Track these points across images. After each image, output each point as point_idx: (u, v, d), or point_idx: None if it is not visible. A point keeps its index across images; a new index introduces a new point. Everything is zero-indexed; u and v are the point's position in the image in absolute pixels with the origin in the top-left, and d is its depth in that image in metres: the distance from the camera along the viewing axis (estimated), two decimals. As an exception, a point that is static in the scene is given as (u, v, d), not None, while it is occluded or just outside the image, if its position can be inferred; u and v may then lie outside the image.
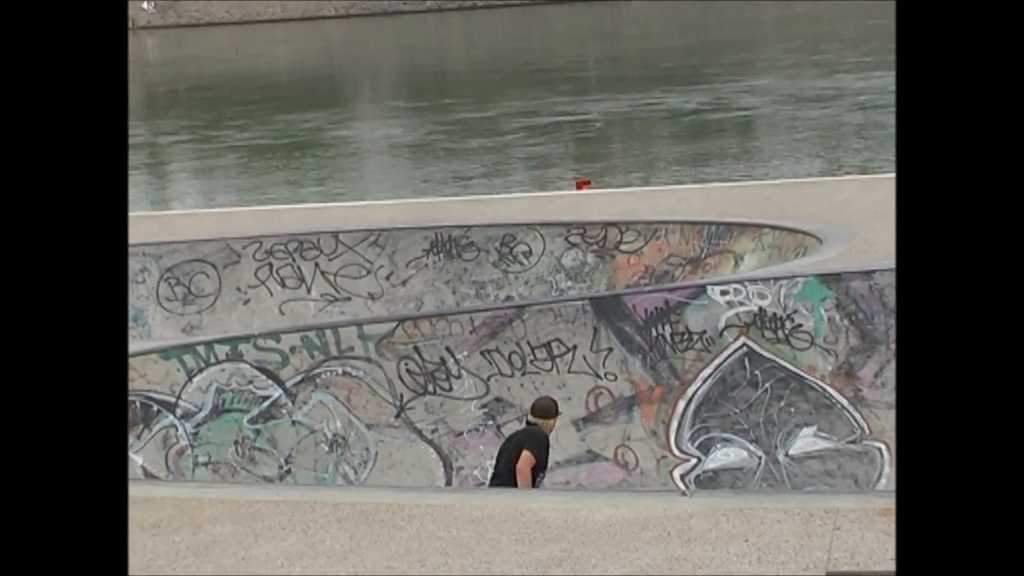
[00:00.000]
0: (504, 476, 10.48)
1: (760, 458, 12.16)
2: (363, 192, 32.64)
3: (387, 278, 16.59)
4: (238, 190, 35.38)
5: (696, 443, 12.23)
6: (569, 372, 12.43)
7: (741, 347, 12.38)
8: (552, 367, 12.42)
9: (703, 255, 15.41)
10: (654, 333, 12.42)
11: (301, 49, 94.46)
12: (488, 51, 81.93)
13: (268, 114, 52.20)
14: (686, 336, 12.39)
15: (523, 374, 12.41)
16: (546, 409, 10.79)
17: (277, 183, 36.05)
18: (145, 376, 11.62)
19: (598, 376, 12.41)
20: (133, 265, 16.30)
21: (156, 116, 56.94)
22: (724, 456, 12.18)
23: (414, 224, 17.09)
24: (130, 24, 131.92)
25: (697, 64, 57.90)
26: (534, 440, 10.52)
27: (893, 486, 9.14)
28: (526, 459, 10.34)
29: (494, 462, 10.97)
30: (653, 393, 12.35)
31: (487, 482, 11.24)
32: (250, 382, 12.03)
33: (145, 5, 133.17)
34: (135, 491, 8.28)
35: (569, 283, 16.04)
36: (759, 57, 57.96)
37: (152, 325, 16.14)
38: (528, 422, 10.87)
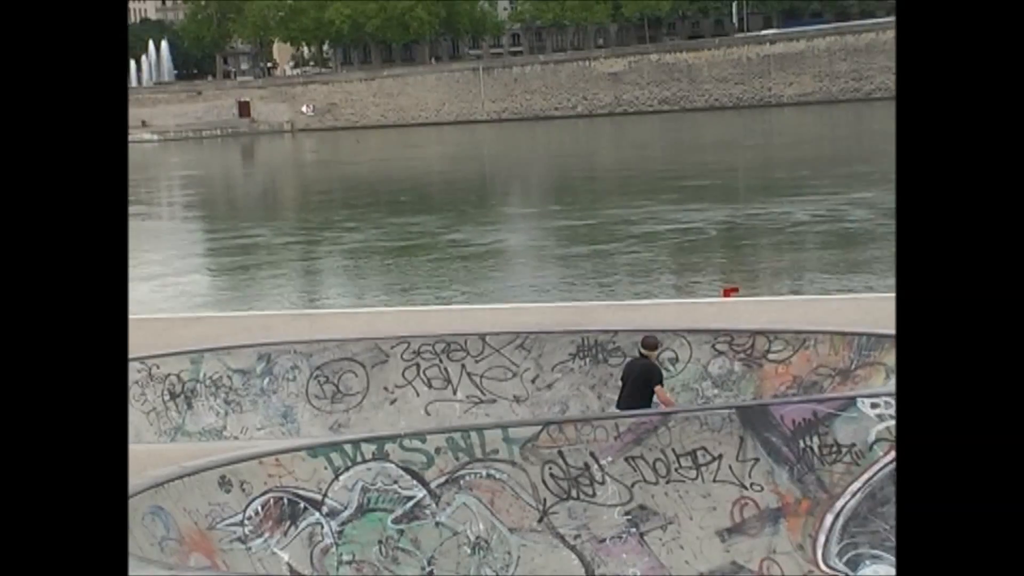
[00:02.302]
0: (635, 401, 14.20)
1: None
2: (509, 295, 32.80)
3: (533, 381, 16.58)
4: (387, 289, 35.81)
5: (844, 559, 11.95)
6: (714, 481, 12.26)
7: (891, 461, 12.11)
8: (697, 476, 12.26)
9: (853, 366, 15.16)
10: (802, 445, 12.22)
11: (452, 153, 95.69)
12: (636, 156, 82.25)
13: (414, 214, 52.90)
14: (834, 448, 12.16)
15: (667, 482, 12.27)
16: (654, 344, 14.81)
17: (423, 283, 36.42)
18: (293, 473, 11.71)
19: (744, 487, 12.22)
20: (284, 363, 16.53)
21: (308, 214, 58.07)
22: (873, 573, 11.88)
23: (560, 328, 17.10)
24: (289, 127, 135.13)
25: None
26: (658, 374, 14.67)
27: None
28: (662, 391, 14.47)
29: (620, 387, 14.68)
30: (800, 506, 12.12)
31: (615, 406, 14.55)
32: (395, 482, 12.05)
33: (304, 108, 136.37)
34: (280, 588, 8.34)
35: (715, 391, 15.88)
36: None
37: (301, 422, 16.31)
38: (642, 355, 14.70)
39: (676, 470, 12.27)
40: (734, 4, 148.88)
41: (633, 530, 12.13)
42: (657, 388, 14.51)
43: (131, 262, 46.84)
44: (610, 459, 12.31)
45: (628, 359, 15.21)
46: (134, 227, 56.91)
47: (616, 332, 16.62)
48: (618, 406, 14.51)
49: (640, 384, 14.49)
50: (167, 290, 37.52)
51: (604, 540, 12.12)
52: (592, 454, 12.32)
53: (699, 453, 12.29)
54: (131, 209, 65.02)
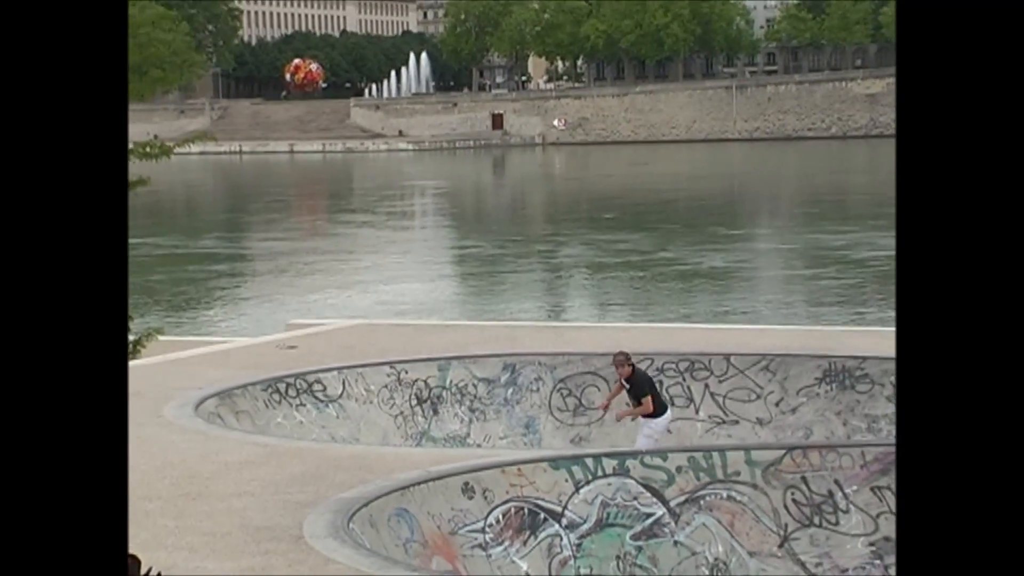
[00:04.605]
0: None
1: None
2: (754, 315, 32.46)
3: (776, 404, 16.37)
4: (630, 305, 35.84)
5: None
6: (963, 517, 11.90)
7: None
8: (945, 510, 11.92)
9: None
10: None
11: (701, 172, 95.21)
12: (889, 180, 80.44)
13: (663, 229, 52.82)
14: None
15: (914, 515, 11.96)
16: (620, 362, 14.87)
17: (666, 300, 36.31)
18: (534, 483, 11.81)
19: (994, 524, 11.83)
20: (528, 374, 16.68)
21: (555, 226, 58.53)
22: None
23: (807, 352, 16.84)
24: (540, 140, 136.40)
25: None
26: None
27: None
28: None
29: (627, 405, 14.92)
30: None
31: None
32: (635, 498, 12.04)
33: (556, 122, 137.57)
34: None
35: (967, 424, 15.42)
36: None
37: (542, 434, 16.42)
38: (636, 373, 14.84)
39: (924, 503, 11.95)
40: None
41: (877, 562, 11.86)
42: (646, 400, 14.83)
43: (377, 267, 47.42)
44: (855, 488, 12.07)
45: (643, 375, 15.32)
46: (383, 236, 58.22)
47: (865, 359, 16.29)
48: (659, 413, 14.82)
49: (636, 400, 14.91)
50: (411, 296, 38.29)
51: (847, 570, 11.88)
52: (836, 482, 12.10)
53: (948, 487, 11.94)
54: (375, 218, 66.52)
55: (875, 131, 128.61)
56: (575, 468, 12.01)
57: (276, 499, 10.66)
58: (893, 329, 19.73)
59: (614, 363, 15.09)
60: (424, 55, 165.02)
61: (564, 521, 11.81)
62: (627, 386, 14.97)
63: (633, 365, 15.04)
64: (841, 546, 11.94)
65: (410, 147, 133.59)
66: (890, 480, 12.04)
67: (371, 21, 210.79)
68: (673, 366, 16.71)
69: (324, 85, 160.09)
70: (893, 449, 12.35)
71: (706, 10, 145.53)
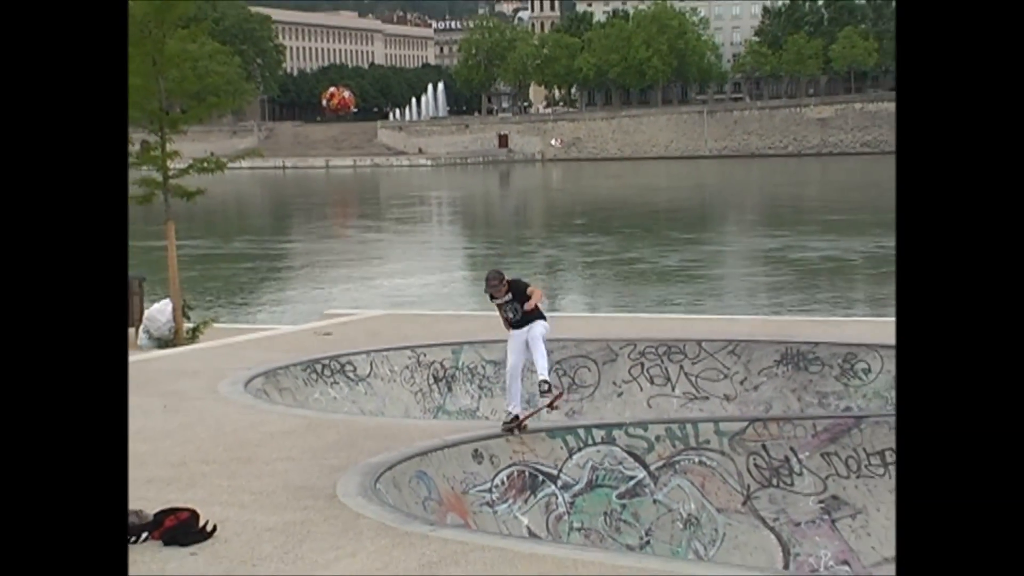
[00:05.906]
0: (529, 313, 11.95)
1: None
2: (725, 308, 32.43)
3: (741, 383, 16.37)
4: (616, 297, 35.80)
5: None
6: (900, 479, 11.88)
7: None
8: (885, 472, 11.93)
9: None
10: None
11: (679, 184, 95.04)
12: (839, 190, 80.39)
13: (642, 233, 52.74)
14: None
15: (858, 477, 11.97)
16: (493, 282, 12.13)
17: (648, 294, 36.28)
18: (534, 450, 11.81)
19: (927, 485, 11.80)
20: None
21: (550, 230, 58.45)
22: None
23: (768, 338, 16.83)
24: (540, 157, 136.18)
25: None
26: (520, 283, 12.32)
27: None
28: (538, 290, 12.20)
29: (515, 311, 12.10)
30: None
31: (514, 326, 12.16)
32: (620, 463, 12.04)
33: (553, 141, 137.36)
34: (521, 547, 8.41)
35: (904, 400, 15.38)
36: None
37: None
38: (510, 282, 12.15)
39: (866, 467, 11.96)
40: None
41: (826, 517, 11.86)
42: (530, 289, 12.22)
43: (400, 264, 47.41)
44: (807, 454, 12.07)
45: (504, 301, 12.37)
46: (406, 237, 58.18)
47: (817, 344, 16.28)
48: (517, 326, 12.11)
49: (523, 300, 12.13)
50: (429, 289, 38.27)
51: (800, 524, 11.88)
52: (792, 449, 12.10)
53: (887, 453, 11.96)
54: (398, 223, 66.48)
55: (825, 150, 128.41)
56: (569, 437, 12.01)
57: (313, 463, 10.67)
58: (842, 319, 19.48)
59: (489, 288, 12.20)
60: (440, 84, 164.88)
61: (559, 483, 11.81)
62: (511, 302, 12.20)
63: (506, 280, 12.35)
64: (795, 503, 11.94)
65: (428, 163, 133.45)
66: (837, 447, 12.04)
67: (395, 55, 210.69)
68: (653, 350, 16.71)
69: (355, 110, 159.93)
70: (840, 421, 12.34)
71: (682, 46, 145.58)
